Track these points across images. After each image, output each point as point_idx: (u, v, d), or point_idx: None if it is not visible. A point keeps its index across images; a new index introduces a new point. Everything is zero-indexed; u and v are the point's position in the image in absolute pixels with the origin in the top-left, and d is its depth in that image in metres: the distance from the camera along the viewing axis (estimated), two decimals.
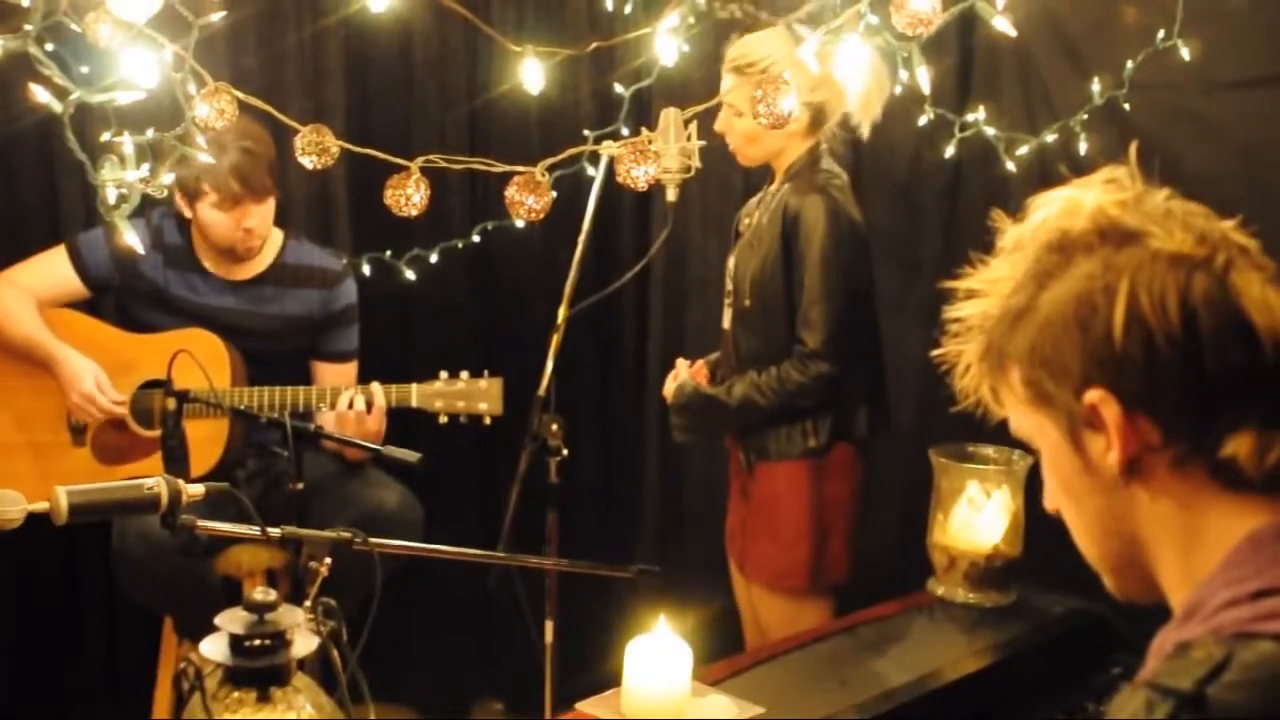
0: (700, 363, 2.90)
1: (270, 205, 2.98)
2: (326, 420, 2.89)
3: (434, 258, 3.44)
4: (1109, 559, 1.09)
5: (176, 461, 2.43)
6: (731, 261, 2.79)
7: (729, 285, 2.80)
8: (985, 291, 1.09)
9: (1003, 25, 1.54)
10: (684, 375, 2.83)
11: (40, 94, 1.57)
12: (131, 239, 1.81)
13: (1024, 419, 1.10)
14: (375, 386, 2.90)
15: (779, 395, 2.57)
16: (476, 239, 3.46)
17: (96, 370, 2.90)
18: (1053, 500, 1.12)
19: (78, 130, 1.72)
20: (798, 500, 2.64)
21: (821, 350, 2.54)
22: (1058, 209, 1.07)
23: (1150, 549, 1.05)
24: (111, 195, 1.60)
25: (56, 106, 1.54)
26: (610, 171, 2.62)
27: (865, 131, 2.70)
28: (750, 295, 2.66)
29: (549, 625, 2.47)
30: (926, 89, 1.57)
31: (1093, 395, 1.01)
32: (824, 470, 2.65)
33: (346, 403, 2.86)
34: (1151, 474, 1.02)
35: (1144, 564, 1.06)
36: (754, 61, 2.62)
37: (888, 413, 2.78)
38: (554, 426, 2.46)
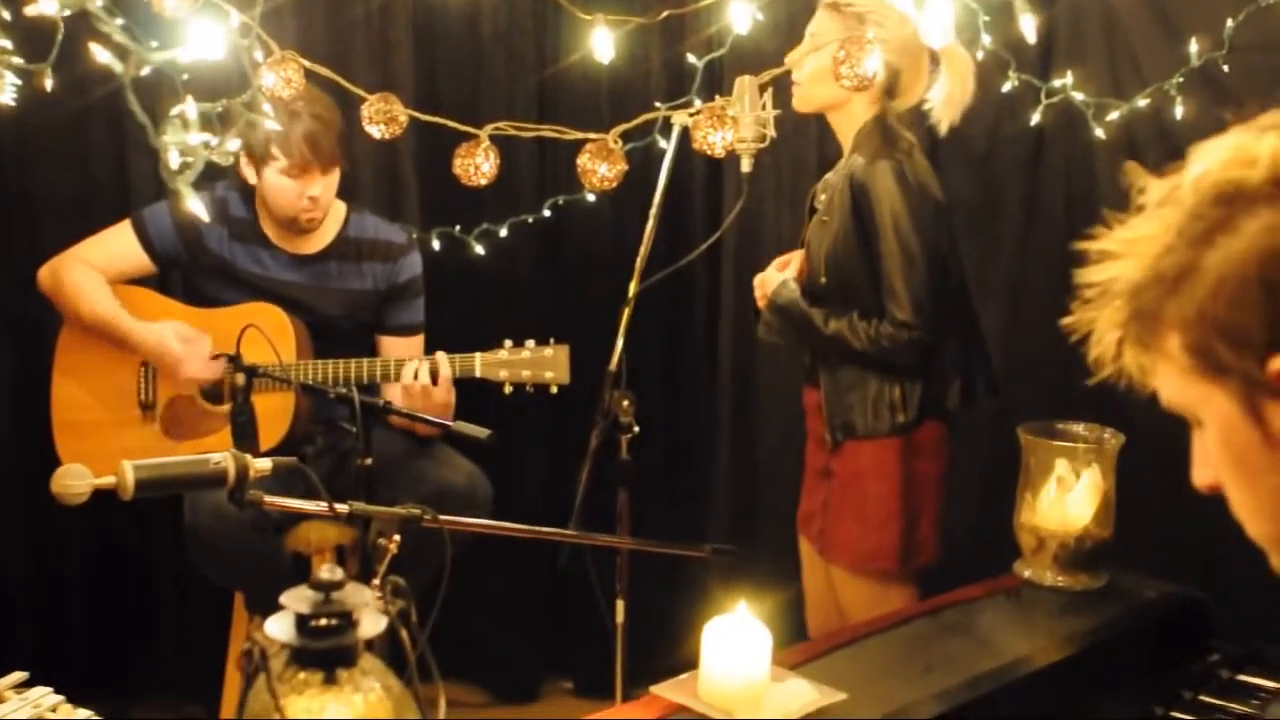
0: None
1: (335, 177, 2.95)
2: (393, 394, 2.85)
3: (503, 232, 3.40)
4: None
5: (246, 437, 2.42)
6: (805, 239, 2.71)
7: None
8: (1124, 254, 1.00)
9: None
10: (791, 271, 2.69)
11: (100, 54, 1.54)
12: (195, 206, 1.79)
13: (1184, 390, 1.00)
14: (440, 356, 2.84)
15: (872, 344, 2.48)
16: (547, 213, 3.40)
17: (175, 329, 2.87)
18: (1212, 475, 1.03)
19: (149, 103, 1.69)
20: (887, 479, 2.56)
21: (912, 321, 2.45)
22: (1225, 158, 0.96)
23: None
24: (174, 160, 1.56)
25: (117, 66, 1.51)
26: (682, 142, 2.56)
27: (943, 129, 2.62)
28: (825, 272, 2.58)
29: (620, 605, 2.43)
30: (1032, 38, 1.48)
31: (1279, 363, 0.92)
32: (914, 448, 2.56)
33: (411, 374, 2.82)
34: None
35: None
36: (851, 1, 2.54)
37: (989, 382, 2.68)
38: (625, 403, 2.42)
